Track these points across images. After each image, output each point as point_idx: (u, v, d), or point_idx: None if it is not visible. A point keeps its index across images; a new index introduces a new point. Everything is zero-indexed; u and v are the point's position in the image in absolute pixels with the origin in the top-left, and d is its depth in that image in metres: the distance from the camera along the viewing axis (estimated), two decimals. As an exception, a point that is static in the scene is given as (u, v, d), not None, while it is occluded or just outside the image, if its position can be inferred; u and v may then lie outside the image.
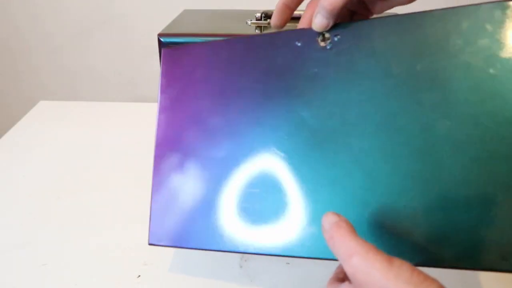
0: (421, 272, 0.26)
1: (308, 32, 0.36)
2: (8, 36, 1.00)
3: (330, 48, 0.35)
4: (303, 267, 0.51)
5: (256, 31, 0.60)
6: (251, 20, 0.63)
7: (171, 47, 0.43)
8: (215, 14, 0.70)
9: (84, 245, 0.55)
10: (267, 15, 0.64)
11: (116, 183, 0.67)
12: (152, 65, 0.99)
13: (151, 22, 0.93)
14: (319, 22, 0.34)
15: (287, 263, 0.51)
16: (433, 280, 0.25)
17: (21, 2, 0.96)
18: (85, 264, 0.51)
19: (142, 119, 0.87)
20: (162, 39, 0.58)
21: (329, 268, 0.51)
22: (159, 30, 0.59)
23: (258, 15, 0.63)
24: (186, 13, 0.72)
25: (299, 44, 0.37)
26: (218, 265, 0.51)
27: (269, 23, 0.63)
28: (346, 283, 0.29)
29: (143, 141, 0.78)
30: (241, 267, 0.51)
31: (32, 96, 1.04)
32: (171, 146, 0.41)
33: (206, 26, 0.65)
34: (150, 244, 0.42)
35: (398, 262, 0.26)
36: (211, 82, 0.40)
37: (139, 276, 0.50)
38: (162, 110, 0.42)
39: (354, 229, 0.28)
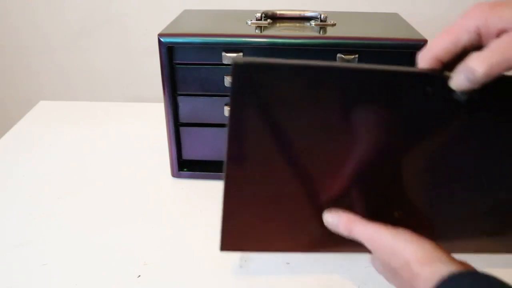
0: (418, 234, 0.34)
1: (442, 78, 0.31)
2: (7, 36, 1.00)
3: (465, 102, 0.31)
4: (303, 267, 0.51)
5: (256, 31, 0.60)
6: (251, 20, 0.63)
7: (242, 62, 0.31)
8: (215, 14, 0.70)
9: (84, 245, 0.55)
10: (267, 15, 0.64)
11: (116, 183, 0.67)
12: (152, 65, 0.99)
13: (151, 22, 0.93)
14: (460, 84, 0.30)
15: (287, 263, 0.51)
16: (427, 240, 0.34)
17: (20, 2, 0.96)
18: (85, 264, 0.51)
19: (142, 119, 0.87)
20: (162, 39, 0.58)
21: (328, 267, 0.51)
22: (159, 30, 0.59)
23: (258, 15, 0.63)
24: (186, 13, 0.72)
25: (430, 90, 0.32)
26: (218, 265, 0.51)
27: (269, 23, 0.63)
28: None
29: (143, 141, 0.78)
30: (241, 267, 0.51)
31: (32, 96, 1.04)
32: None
33: (206, 26, 0.65)
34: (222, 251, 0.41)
35: (401, 229, 0.34)
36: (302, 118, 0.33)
37: (139, 276, 0.50)
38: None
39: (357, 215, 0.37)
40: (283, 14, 0.66)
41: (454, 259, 0.33)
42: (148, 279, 0.49)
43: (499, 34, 0.30)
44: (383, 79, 0.32)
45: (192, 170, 0.68)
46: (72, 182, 0.67)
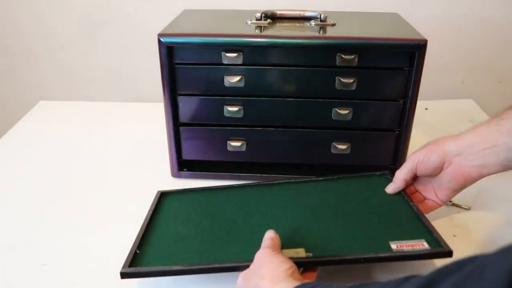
0: (290, 262, 0.40)
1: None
2: (8, 36, 1.00)
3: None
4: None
5: (256, 31, 0.60)
6: (251, 20, 0.63)
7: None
8: (215, 14, 0.70)
9: (84, 245, 0.55)
10: (267, 15, 0.64)
11: (116, 183, 0.67)
12: (152, 65, 0.99)
13: (151, 22, 0.93)
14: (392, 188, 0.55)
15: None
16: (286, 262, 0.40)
17: (22, 2, 0.96)
18: (85, 264, 0.51)
19: (142, 119, 0.87)
20: (162, 39, 0.58)
21: (328, 267, 0.51)
22: (159, 30, 0.59)
23: (258, 15, 0.63)
24: (186, 13, 0.72)
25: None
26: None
27: (269, 23, 0.63)
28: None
29: (143, 141, 0.78)
30: (241, 267, 0.51)
31: (32, 96, 1.04)
32: None
33: (206, 26, 0.65)
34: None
35: (279, 255, 0.41)
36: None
37: (139, 276, 0.50)
38: None
39: (279, 243, 0.45)
40: (283, 14, 0.66)
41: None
42: (148, 279, 0.49)
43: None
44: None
45: (192, 170, 0.68)
46: (72, 181, 0.67)
